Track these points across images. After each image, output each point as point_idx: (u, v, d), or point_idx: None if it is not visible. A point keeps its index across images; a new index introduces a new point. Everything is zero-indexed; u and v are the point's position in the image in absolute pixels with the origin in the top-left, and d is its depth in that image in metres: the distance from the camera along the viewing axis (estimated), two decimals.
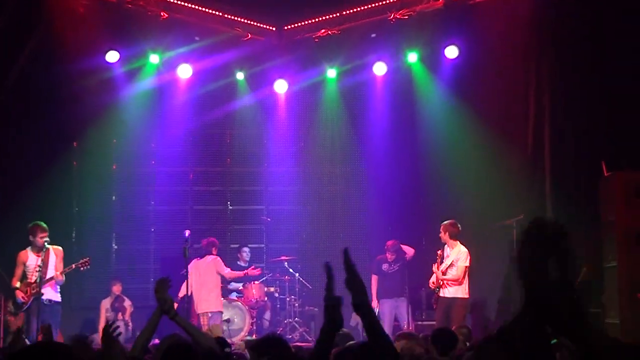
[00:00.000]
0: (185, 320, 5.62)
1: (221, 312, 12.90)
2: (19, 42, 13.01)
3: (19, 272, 11.10)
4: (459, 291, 11.59)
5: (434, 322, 11.89)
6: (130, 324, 13.73)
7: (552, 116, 12.68)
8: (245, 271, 13.42)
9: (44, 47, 13.43)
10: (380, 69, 15.13)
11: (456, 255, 11.66)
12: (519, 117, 13.53)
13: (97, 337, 13.24)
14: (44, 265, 10.94)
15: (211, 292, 12.76)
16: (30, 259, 11.09)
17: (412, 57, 14.97)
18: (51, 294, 11.15)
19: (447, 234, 11.76)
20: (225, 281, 13.73)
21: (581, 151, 12.31)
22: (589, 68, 12.24)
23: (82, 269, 11.39)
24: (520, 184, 13.49)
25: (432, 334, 7.51)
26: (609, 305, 11.03)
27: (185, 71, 14.87)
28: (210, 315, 12.69)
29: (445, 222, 11.89)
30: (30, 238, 11.13)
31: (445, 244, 11.82)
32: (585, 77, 12.27)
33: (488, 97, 14.00)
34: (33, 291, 10.90)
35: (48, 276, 11.07)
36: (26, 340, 5.23)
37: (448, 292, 11.62)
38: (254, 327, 13.44)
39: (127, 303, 13.81)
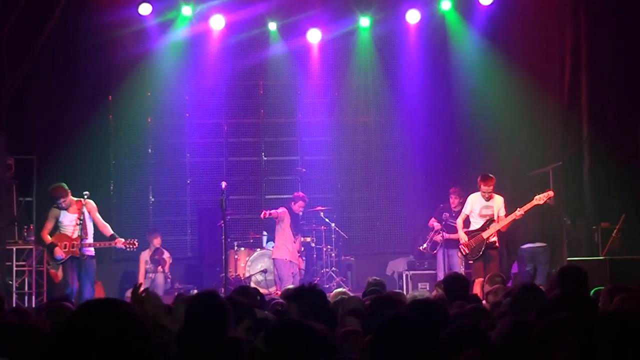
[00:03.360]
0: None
1: (279, 260, 13.06)
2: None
3: (49, 225, 11.04)
4: (498, 240, 11.48)
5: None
6: (169, 276, 13.91)
7: (589, 61, 12.46)
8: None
9: (76, 1, 13.45)
10: (413, 16, 14.98)
11: (501, 205, 11.49)
12: (555, 62, 13.33)
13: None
14: (83, 220, 10.98)
15: (276, 241, 13.28)
16: (63, 214, 11.07)
17: (446, 4, 14.81)
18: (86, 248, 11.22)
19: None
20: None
21: (619, 97, 12.12)
22: (628, 11, 11.99)
23: (127, 248, 11.39)
24: (557, 130, 13.35)
25: (444, 280, 7.58)
26: None
27: (218, 22, 14.80)
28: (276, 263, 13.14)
29: (491, 177, 11.57)
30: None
31: (488, 198, 11.52)
32: (624, 20, 12.03)
33: (523, 43, 13.83)
34: (73, 249, 10.97)
35: (88, 231, 11.09)
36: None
37: (496, 241, 11.45)
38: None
39: (166, 255, 13.97)
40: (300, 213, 13.40)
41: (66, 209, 10.95)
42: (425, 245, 13.17)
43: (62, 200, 10.89)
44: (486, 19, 14.49)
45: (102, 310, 2.34)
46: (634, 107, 11.41)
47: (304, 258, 13.73)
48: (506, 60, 14.02)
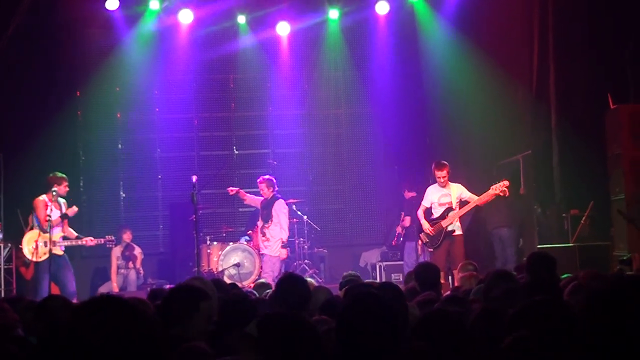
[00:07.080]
0: None
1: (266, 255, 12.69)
2: None
3: (34, 218, 10.99)
4: (460, 227, 11.41)
5: None
6: (141, 271, 13.85)
7: (556, 49, 12.56)
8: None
9: None
10: (382, 7, 15.01)
11: (461, 191, 11.37)
12: (523, 51, 13.43)
13: (110, 284, 13.42)
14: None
15: None
16: (50, 209, 11.01)
17: None
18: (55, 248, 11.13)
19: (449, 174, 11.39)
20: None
21: (586, 84, 12.21)
22: (596, 1, 12.09)
23: (108, 246, 11.50)
24: (526, 119, 13.45)
25: (415, 270, 7.61)
26: (617, 238, 11.08)
27: (186, 16, 14.75)
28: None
29: (444, 163, 11.55)
30: (55, 187, 11.02)
31: (444, 185, 11.42)
32: (591, 9, 12.12)
33: (492, 33, 13.89)
34: (54, 247, 10.88)
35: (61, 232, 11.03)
36: None
37: (457, 229, 11.36)
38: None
39: (138, 251, 13.91)
40: (268, 196, 12.70)
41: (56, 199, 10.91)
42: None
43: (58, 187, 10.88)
44: (455, 9, 14.51)
45: (109, 307, 2.30)
46: (601, 96, 11.49)
47: (276, 246, 12.66)
48: (475, 50, 14.05)
